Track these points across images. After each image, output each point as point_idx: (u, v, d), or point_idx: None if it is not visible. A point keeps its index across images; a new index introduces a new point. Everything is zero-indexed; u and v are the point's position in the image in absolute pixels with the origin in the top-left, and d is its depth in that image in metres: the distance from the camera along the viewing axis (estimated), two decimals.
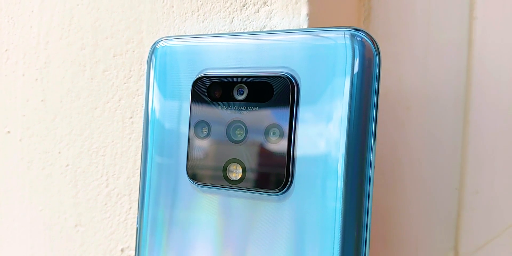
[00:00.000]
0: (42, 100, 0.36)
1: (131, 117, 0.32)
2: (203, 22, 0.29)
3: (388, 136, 0.33)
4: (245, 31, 0.28)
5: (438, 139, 0.35)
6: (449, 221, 0.34)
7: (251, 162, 0.24)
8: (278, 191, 0.24)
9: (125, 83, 0.32)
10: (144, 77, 0.31)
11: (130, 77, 0.32)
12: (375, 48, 0.23)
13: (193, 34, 0.30)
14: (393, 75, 0.33)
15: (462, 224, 0.34)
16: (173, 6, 0.30)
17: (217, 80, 0.25)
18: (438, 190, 0.34)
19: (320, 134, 0.23)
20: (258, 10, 0.28)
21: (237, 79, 0.25)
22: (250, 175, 0.24)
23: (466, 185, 0.34)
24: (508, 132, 0.34)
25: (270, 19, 0.27)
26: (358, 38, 0.22)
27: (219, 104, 0.25)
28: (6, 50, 0.37)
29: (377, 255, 0.33)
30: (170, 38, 0.27)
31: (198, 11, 0.30)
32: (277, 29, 0.27)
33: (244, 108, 0.25)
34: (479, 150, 0.34)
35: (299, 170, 0.23)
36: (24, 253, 0.37)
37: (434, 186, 0.34)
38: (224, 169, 0.25)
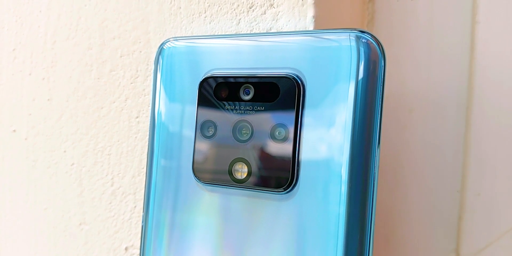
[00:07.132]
0: (48, 99, 0.36)
1: (137, 117, 0.32)
2: (210, 23, 0.30)
3: (390, 139, 0.34)
4: (251, 32, 0.28)
5: (440, 142, 0.35)
6: (450, 223, 0.35)
7: (257, 161, 0.24)
8: (282, 190, 0.24)
9: (131, 83, 0.33)
10: (151, 77, 0.32)
11: (137, 77, 0.32)
12: (380, 50, 0.23)
13: (200, 35, 0.30)
14: (395, 78, 0.34)
15: (463, 226, 0.34)
16: (180, 7, 0.31)
17: (223, 81, 0.26)
18: (440, 192, 0.35)
19: (325, 134, 0.23)
20: (265, 12, 0.28)
21: (243, 80, 0.25)
22: (256, 174, 0.24)
23: (467, 188, 0.34)
24: (510, 135, 0.34)
25: (276, 21, 0.28)
26: (363, 40, 0.23)
27: (225, 104, 0.26)
28: (13, 50, 0.37)
29: None
30: (177, 39, 0.28)
31: (205, 12, 0.30)
32: (283, 30, 0.28)
33: (250, 108, 0.25)
34: (481, 152, 0.34)
35: (304, 170, 0.23)
36: (28, 251, 0.38)
37: (436, 188, 0.35)
38: (230, 168, 0.25)
